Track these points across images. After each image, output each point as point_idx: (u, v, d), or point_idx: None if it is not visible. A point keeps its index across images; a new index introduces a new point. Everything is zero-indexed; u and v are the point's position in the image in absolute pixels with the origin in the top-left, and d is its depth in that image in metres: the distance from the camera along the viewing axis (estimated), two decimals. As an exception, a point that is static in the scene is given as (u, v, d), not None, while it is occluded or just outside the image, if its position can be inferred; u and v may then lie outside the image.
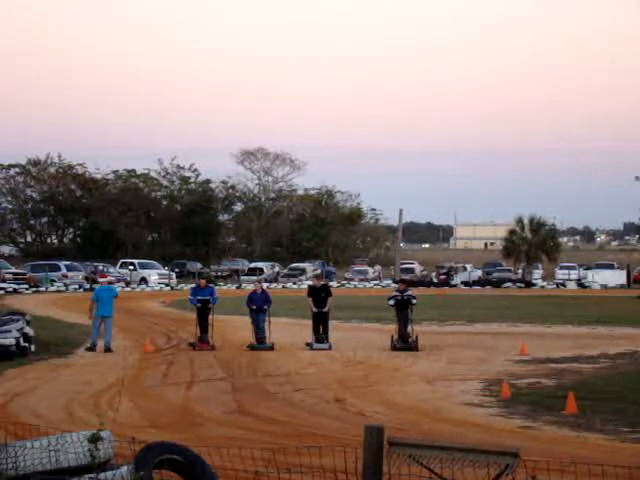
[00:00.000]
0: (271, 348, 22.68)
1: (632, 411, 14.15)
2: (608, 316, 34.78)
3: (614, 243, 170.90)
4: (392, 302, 23.59)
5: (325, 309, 23.45)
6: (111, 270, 58.90)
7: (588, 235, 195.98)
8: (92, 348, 22.51)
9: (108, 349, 22.42)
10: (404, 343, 22.57)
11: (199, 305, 23.34)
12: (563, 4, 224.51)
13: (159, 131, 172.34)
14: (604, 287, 63.19)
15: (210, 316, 23.46)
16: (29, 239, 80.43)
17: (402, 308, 23.25)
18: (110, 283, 26.35)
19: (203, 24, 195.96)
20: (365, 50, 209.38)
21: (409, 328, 23.12)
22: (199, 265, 68.49)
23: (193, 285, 26.99)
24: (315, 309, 23.40)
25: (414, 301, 23.51)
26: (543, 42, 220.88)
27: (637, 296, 50.21)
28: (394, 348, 22.51)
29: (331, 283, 63.31)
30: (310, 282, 27.54)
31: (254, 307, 23.48)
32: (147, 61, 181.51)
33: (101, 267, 58.83)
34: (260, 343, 22.89)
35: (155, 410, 14.44)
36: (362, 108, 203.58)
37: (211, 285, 26.46)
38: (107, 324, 23.02)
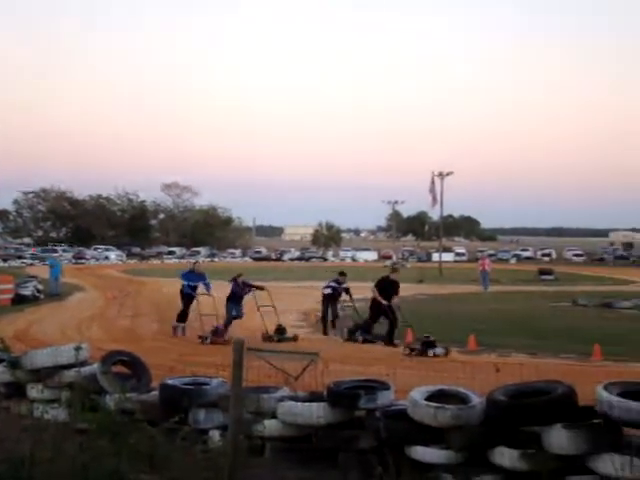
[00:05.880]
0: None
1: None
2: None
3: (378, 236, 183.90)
4: (329, 291, 16.94)
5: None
6: (86, 252, 71.28)
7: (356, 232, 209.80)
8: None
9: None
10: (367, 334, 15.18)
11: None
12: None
13: (116, 171, 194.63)
14: (365, 261, 75.57)
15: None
16: (40, 234, 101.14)
17: (334, 300, 16.63)
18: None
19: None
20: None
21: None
22: (138, 249, 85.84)
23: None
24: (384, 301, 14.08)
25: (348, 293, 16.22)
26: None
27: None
28: (365, 340, 15.11)
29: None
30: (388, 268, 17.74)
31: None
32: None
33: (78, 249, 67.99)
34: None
35: (113, 331, 16.19)
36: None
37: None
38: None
